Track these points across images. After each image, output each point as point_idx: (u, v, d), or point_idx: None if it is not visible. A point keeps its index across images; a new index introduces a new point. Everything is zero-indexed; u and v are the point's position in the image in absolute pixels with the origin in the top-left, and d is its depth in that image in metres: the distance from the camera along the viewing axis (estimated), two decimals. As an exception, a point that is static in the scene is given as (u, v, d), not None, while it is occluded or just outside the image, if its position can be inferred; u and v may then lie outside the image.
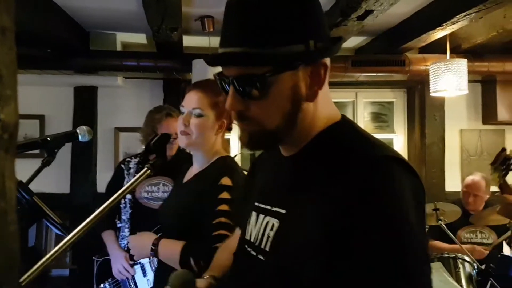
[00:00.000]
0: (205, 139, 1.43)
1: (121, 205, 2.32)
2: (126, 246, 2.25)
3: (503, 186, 1.88)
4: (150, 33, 3.26)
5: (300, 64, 0.74)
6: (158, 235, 1.47)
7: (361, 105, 4.57)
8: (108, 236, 2.31)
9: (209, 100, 1.40)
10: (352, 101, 4.57)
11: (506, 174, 1.87)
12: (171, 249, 1.38)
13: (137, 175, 1.06)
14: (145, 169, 1.07)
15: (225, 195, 1.35)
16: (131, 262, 2.21)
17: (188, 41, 3.74)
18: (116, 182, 2.38)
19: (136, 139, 2.53)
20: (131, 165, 2.39)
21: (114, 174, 2.47)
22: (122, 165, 2.42)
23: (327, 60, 0.78)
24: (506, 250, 3.06)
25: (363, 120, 4.59)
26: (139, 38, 3.92)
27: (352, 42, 3.95)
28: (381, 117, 4.70)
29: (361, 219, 0.66)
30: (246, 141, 0.79)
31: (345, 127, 0.81)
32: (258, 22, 0.71)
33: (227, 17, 0.75)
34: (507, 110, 4.07)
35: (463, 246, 2.91)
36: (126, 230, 2.32)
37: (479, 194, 3.22)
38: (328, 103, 0.82)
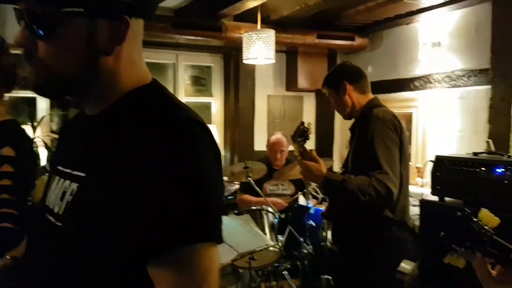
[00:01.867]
0: None
1: None
2: None
3: (304, 153, 2.13)
4: None
5: (96, 14, 0.70)
6: None
7: (181, 68, 4.58)
8: None
9: None
10: (173, 63, 4.54)
11: (304, 143, 2.13)
12: None
13: None
14: None
15: (6, 168, 1.20)
16: None
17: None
18: None
19: None
20: None
21: None
22: None
23: (139, 21, 0.76)
24: (301, 201, 3.57)
25: (184, 83, 4.63)
26: None
27: (173, 1, 3.86)
28: (201, 81, 4.81)
29: (163, 178, 0.67)
30: (33, 84, 0.75)
31: (153, 90, 0.80)
32: None
33: None
34: (306, 79, 4.59)
35: (268, 198, 3.28)
36: None
37: (284, 149, 3.64)
38: (137, 64, 0.79)
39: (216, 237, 0.71)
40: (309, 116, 4.91)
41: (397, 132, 2.02)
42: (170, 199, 0.67)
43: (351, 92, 2.19)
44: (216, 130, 4.62)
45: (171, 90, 4.43)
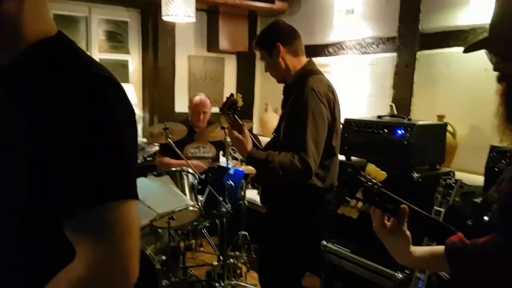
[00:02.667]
0: None
1: None
2: None
3: (233, 123, 2.09)
4: None
5: None
6: None
7: (95, 22, 4.30)
8: None
9: None
10: (85, 16, 4.25)
11: (234, 115, 2.09)
12: None
13: None
14: None
15: None
16: None
17: None
18: None
19: None
20: None
21: None
22: None
23: None
24: (221, 162, 3.64)
25: (98, 39, 4.36)
26: None
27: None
28: (117, 36, 4.56)
29: (76, 136, 0.67)
30: None
31: (61, 43, 0.77)
32: None
33: None
34: (227, 40, 4.55)
35: (189, 161, 3.31)
36: None
37: (207, 111, 3.63)
38: (42, 13, 0.76)
39: (132, 194, 0.72)
40: (230, 78, 4.93)
41: (330, 106, 2.03)
42: (83, 157, 0.67)
43: (284, 55, 2.10)
44: (134, 89, 4.47)
45: (83, 45, 4.24)
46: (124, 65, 4.58)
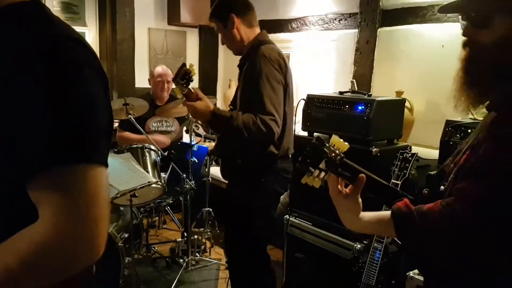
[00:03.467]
0: None
1: None
2: None
3: (188, 94, 2.09)
4: None
5: None
6: None
7: (48, -8, 4.08)
8: None
9: None
10: (36, -14, 4.01)
11: (187, 86, 2.08)
12: None
13: None
14: None
15: None
16: None
17: None
18: None
19: None
20: None
21: None
22: None
23: None
24: (185, 138, 3.60)
25: (53, 10, 4.08)
26: None
27: None
28: (72, 8, 4.34)
29: (41, 96, 0.67)
30: None
31: (35, 7, 0.77)
32: None
33: None
34: (189, 13, 4.42)
35: (150, 136, 3.24)
36: None
37: (170, 80, 3.50)
38: None
39: (100, 159, 0.71)
40: (192, 53, 4.82)
41: (283, 71, 2.09)
42: (46, 116, 0.66)
43: (239, 26, 2.16)
44: (92, 64, 4.30)
45: (36, 17, 3.99)
46: (80, 37, 4.38)
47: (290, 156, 2.28)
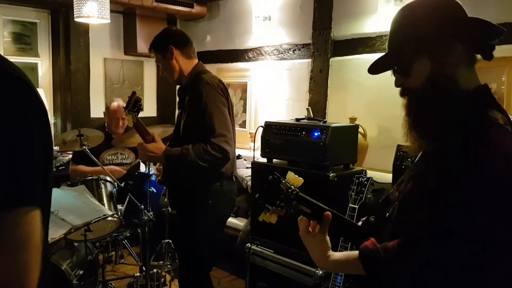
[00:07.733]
0: None
1: None
2: None
3: (137, 124, 2.15)
4: None
5: None
6: None
7: (0, 23, 3.96)
8: None
9: None
10: (-12, 16, 3.90)
11: (138, 114, 2.15)
12: None
13: None
14: None
15: None
16: None
17: None
18: None
19: None
20: None
21: None
22: None
23: None
24: (142, 168, 3.53)
25: (3, 41, 4.02)
26: None
27: None
28: (24, 38, 4.24)
29: None
30: None
31: None
32: None
33: None
34: (145, 43, 4.43)
35: (105, 167, 3.15)
36: None
37: (126, 117, 3.49)
38: None
39: (33, 201, 0.67)
40: (150, 82, 4.80)
41: (225, 95, 2.21)
42: None
43: (178, 57, 2.26)
44: (44, 94, 4.17)
45: (-14, 47, 3.86)
46: (33, 68, 4.26)
47: (234, 175, 2.36)
